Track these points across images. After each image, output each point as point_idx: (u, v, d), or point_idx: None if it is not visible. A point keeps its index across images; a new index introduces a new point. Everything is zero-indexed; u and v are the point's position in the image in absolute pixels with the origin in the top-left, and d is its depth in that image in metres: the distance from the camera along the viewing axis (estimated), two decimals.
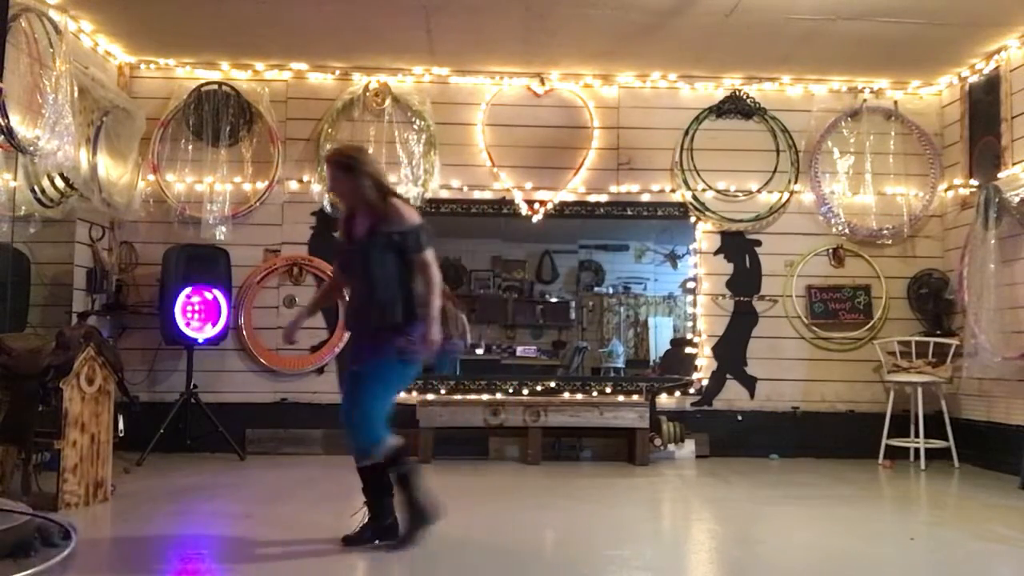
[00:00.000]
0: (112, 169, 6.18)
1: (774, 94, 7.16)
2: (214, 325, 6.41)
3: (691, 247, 7.19)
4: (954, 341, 6.50)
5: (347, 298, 4.01)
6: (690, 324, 7.20)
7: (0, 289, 5.31)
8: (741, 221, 7.08)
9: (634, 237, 9.62)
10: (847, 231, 7.02)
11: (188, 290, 6.30)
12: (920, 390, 6.42)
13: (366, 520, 3.75)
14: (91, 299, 6.35)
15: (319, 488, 5.46)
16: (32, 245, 5.63)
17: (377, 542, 3.71)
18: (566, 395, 6.86)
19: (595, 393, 6.90)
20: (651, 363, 9.46)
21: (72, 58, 5.34)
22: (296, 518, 4.34)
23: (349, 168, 3.74)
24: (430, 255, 3.69)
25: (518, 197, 7.02)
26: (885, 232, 7.01)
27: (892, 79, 7.10)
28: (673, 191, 7.09)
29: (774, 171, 7.10)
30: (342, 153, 3.87)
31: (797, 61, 6.70)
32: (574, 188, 7.05)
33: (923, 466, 6.34)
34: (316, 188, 6.89)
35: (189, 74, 6.94)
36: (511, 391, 6.83)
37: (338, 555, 3.70)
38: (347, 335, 4.06)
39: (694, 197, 7.06)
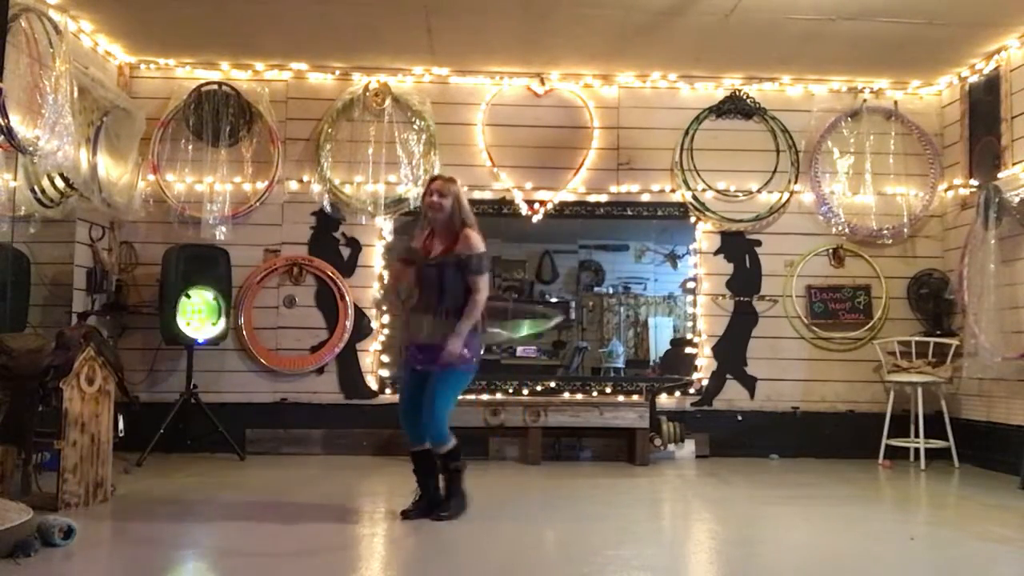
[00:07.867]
0: (112, 169, 6.17)
1: (774, 94, 7.16)
2: (214, 325, 6.41)
3: (691, 247, 7.19)
4: (954, 341, 6.50)
5: (413, 305, 4.46)
6: (690, 324, 7.21)
7: (0, 289, 5.31)
8: (741, 221, 7.07)
9: (634, 237, 9.60)
10: (847, 231, 7.01)
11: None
12: (920, 390, 6.42)
13: (418, 497, 4.39)
14: (91, 299, 6.35)
15: (319, 488, 5.46)
16: (32, 245, 5.63)
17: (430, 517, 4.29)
18: (566, 395, 6.86)
19: (595, 393, 6.90)
20: (651, 363, 9.45)
21: (72, 58, 5.32)
22: (296, 518, 4.34)
23: (446, 194, 4.38)
24: (482, 280, 4.30)
25: (518, 197, 7.02)
26: (885, 232, 7.01)
27: (892, 79, 7.10)
28: (673, 191, 7.09)
29: (774, 171, 7.10)
30: (443, 179, 4.50)
31: (797, 61, 6.70)
32: (574, 188, 7.05)
33: (923, 466, 6.34)
34: (316, 188, 6.89)
35: (189, 74, 6.94)
36: (511, 391, 6.83)
37: (338, 555, 3.71)
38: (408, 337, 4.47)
39: (694, 197, 7.06)
